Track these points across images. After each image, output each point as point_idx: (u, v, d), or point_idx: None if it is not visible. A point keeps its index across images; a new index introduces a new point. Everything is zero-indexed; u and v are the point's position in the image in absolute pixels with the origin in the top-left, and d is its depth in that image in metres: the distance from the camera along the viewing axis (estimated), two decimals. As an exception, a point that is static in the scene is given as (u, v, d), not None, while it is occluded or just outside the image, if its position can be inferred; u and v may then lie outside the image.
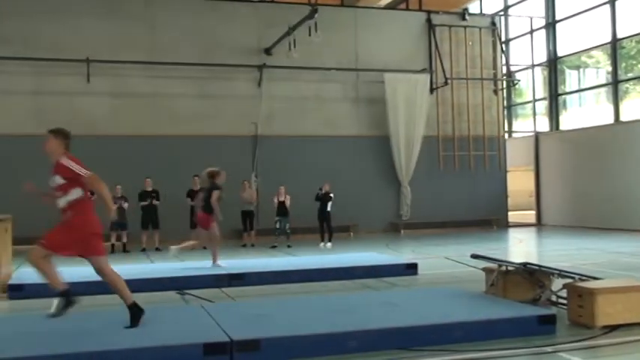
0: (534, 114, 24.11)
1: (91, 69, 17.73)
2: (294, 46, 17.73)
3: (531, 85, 24.31)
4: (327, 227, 16.23)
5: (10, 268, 10.21)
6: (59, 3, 18.04)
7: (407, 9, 22.35)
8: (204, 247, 12.55)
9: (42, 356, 5.17)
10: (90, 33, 18.08)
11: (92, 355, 5.22)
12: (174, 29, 18.87)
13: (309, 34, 16.42)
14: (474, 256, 8.70)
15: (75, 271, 10.78)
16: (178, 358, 5.31)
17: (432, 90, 21.14)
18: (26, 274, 10.42)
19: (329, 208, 16.12)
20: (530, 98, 24.50)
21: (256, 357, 5.44)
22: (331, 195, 16.14)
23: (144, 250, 15.67)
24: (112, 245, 15.67)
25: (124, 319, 6.41)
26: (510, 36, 25.01)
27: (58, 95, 17.83)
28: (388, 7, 24.13)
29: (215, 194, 11.29)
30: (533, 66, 23.82)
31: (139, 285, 9.37)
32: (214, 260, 11.17)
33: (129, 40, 18.42)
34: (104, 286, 9.23)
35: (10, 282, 9.32)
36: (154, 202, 15.91)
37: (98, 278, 9.31)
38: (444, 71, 20.78)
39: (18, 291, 9.02)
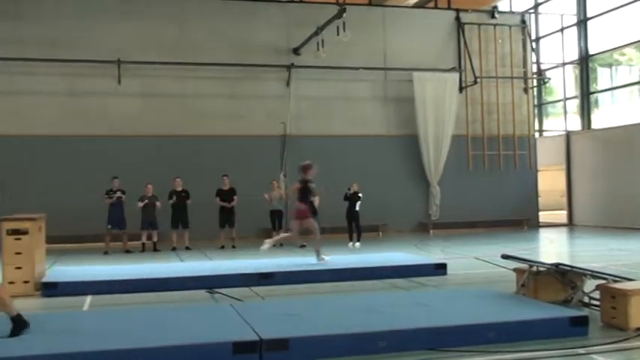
0: (565, 112, 23.83)
1: (121, 70, 17.95)
2: (323, 46, 17.76)
3: (562, 83, 24.02)
4: (355, 227, 16.22)
5: (44, 266, 10.37)
6: (90, 6, 18.28)
7: (435, 7, 22.22)
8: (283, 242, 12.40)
9: (70, 353, 5.24)
10: (121, 35, 18.31)
11: (121, 352, 5.27)
12: (204, 30, 19.01)
13: (338, 34, 16.43)
14: (505, 257, 8.62)
15: (109, 269, 10.92)
16: (208, 356, 5.35)
17: (461, 89, 21.00)
18: (60, 271, 10.61)
19: (357, 208, 16.11)
20: (561, 97, 24.21)
21: (285, 356, 5.45)
22: (360, 195, 16.12)
23: (174, 249, 15.80)
24: (143, 244, 15.84)
25: (153, 317, 6.48)
26: (541, 34, 24.72)
27: (90, 96, 18.08)
28: (417, 5, 24.02)
29: (295, 185, 11.32)
30: (564, 64, 23.53)
31: (169, 284, 9.51)
32: (318, 255, 11.18)
33: (159, 41, 18.60)
34: (136, 285, 9.39)
35: (44, 280, 9.45)
36: (185, 201, 16.02)
37: (125, 277, 9.42)
38: (473, 70, 20.63)
39: (52, 289, 9.14)
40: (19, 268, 9.18)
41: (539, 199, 22.51)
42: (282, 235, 12.46)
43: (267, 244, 11.72)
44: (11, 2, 17.79)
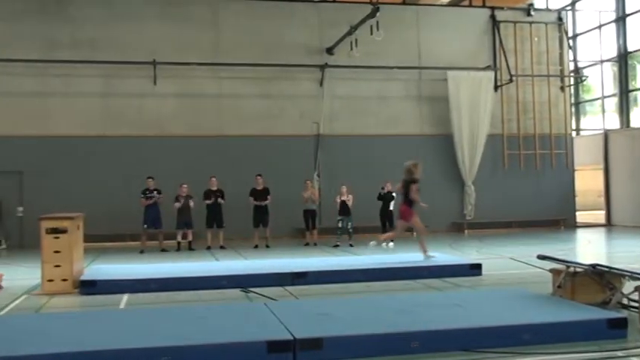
0: (603, 111, 23.42)
1: (157, 71, 18.16)
2: (356, 45, 17.73)
3: (600, 81, 23.61)
4: (389, 227, 16.16)
5: (82, 265, 10.55)
6: (126, 7, 18.54)
7: (470, 5, 22.02)
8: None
9: (105, 351, 5.33)
10: (156, 36, 18.52)
11: (156, 350, 5.33)
12: (238, 30, 19.13)
13: (371, 33, 16.37)
14: (541, 257, 8.52)
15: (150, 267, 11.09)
16: (243, 355, 5.40)
17: (496, 87, 20.79)
18: (98, 270, 10.79)
19: (391, 208, 16.07)
20: (599, 95, 23.80)
21: (319, 355, 5.47)
22: (393, 194, 16.07)
23: (209, 248, 15.94)
24: (178, 243, 16.01)
25: (188, 315, 6.55)
26: (578, 31, 24.33)
27: (126, 97, 18.34)
28: (451, 4, 23.82)
29: (413, 187, 11.30)
30: (602, 61, 23.12)
31: (204, 283, 9.61)
32: (424, 252, 11.24)
33: (193, 42, 18.77)
34: (172, 284, 9.50)
35: (82, 278, 9.61)
36: (219, 201, 16.15)
37: (161, 276, 9.56)
38: (508, 68, 20.40)
39: (90, 287, 9.30)
40: (57, 266, 9.36)
41: (577, 198, 22.16)
42: (389, 233, 12.38)
43: (375, 241, 11.90)
44: (45, 5, 18.11)
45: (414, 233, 19.17)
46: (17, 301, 8.77)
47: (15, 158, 17.41)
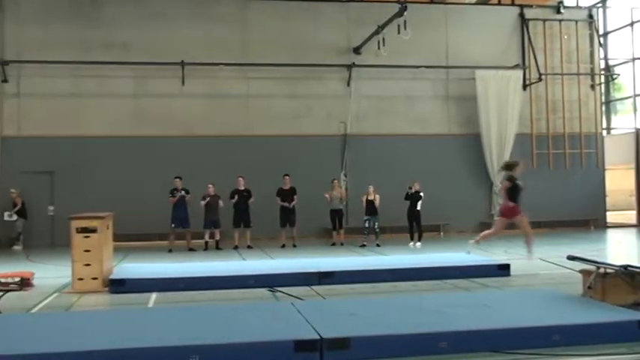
0: (635, 109, 23.07)
1: (185, 71, 18.30)
2: (384, 45, 17.67)
3: (632, 79, 23.25)
4: (416, 227, 16.12)
5: (112, 264, 10.67)
6: (157, 8, 18.71)
7: (499, 4, 21.83)
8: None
9: (131, 349, 5.38)
10: (184, 36, 18.66)
11: (183, 349, 5.37)
12: (265, 31, 19.19)
13: (399, 32, 16.31)
14: (571, 258, 8.43)
15: (176, 267, 11.18)
16: (270, 354, 5.42)
17: (525, 86, 20.57)
18: (127, 269, 10.91)
19: (418, 207, 16.01)
20: (631, 93, 23.44)
21: (346, 355, 5.47)
22: (421, 194, 16.01)
23: (236, 247, 16.01)
24: (206, 243, 16.12)
25: (215, 315, 6.58)
26: (609, 28, 24.00)
27: (155, 98, 18.51)
28: (479, 2, 23.64)
29: (505, 184, 11.32)
30: (633, 59, 22.77)
31: (231, 282, 9.66)
32: (529, 250, 11.24)
33: (221, 43, 18.88)
34: (199, 283, 9.58)
35: (112, 277, 9.72)
36: (247, 200, 16.21)
37: (189, 275, 9.64)
38: (537, 67, 20.17)
39: (119, 285, 9.40)
40: (87, 265, 9.48)
41: (607, 198, 21.85)
42: (488, 231, 12.32)
43: (475, 240, 11.86)
44: (79, 7, 18.37)
45: (441, 233, 19.17)
46: (48, 299, 8.90)
47: (46, 158, 17.69)
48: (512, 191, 11.24)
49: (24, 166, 17.46)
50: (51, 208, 17.72)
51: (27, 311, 8.07)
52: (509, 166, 11.57)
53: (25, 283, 9.77)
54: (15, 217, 17.03)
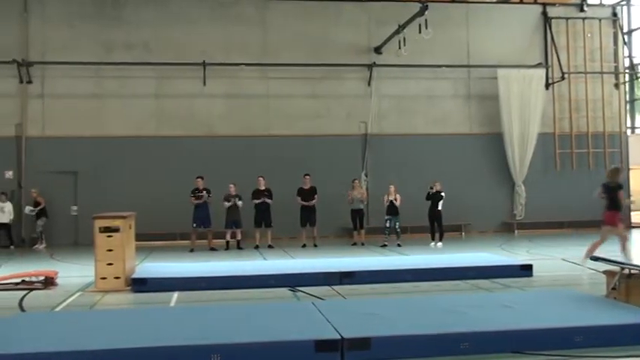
0: (660, 108, 22.77)
1: (206, 72, 18.38)
2: (404, 44, 17.60)
3: (657, 77, 22.97)
4: (437, 227, 16.04)
5: (134, 263, 10.76)
6: (177, 10, 18.82)
7: (521, 2, 21.66)
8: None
9: (152, 348, 5.43)
10: (205, 37, 18.76)
11: (204, 348, 5.40)
12: (286, 31, 19.22)
13: (419, 32, 16.25)
14: (594, 258, 8.35)
15: (196, 266, 11.22)
16: (291, 353, 5.43)
17: (547, 85, 20.39)
18: (149, 268, 10.99)
19: (440, 207, 15.93)
20: (656, 92, 23.16)
21: (367, 355, 5.47)
22: (442, 194, 15.93)
23: (257, 247, 16.06)
24: (227, 242, 16.19)
25: (237, 314, 6.61)
26: (633, 26, 23.71)
27: (177, 98, 18.62)
28: (501, 1, 23.48)
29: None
30: (658, 57, 22.50)
31: (252, 281, 9.69)
32: (626, 255, 11.03)
33: (242, 43, 18.94)
34: (221, 282, 9.62)
35: (134, 276, 9.80)
36: (267, 200, 16.25)
37: (210, 274, 9.67)
38: (560, 66, 19.97)
39: (141, 285, 9.48)
40: (110, 264, 9.57)
41: (632, 199, 21.55)
42: (623, 242, 11.95)
43: (583, 257, 10.91)
44: (101, 8, 18.53)
45: (463, 233, 19.07)
46: (72, 298, 9.00)
47: (70, 158, 17.88)
48: (614, 198, 10.84)
49: (48, 167, 17.67)
50: (74, 207, 17.92)
51: (51, 310, 8.17)
52: (614, 172, 11.19)
53: (49, 281, 9.89)
54: (34, 212, 17.15)
